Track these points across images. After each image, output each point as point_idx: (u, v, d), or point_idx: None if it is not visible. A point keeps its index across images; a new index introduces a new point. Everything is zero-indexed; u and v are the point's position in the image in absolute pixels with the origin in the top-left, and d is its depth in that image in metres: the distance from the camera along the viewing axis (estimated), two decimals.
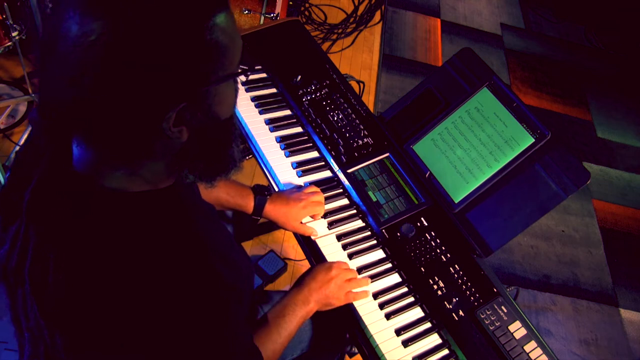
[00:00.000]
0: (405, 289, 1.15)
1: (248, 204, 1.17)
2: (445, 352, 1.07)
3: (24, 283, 0.65)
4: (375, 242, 1.22)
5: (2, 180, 1.88)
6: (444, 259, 1.18)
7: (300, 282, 1.08)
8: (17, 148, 2.09)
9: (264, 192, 1.18)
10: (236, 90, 0.70)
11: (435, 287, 1.13)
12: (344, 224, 1.23)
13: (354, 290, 1.10)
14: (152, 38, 0.54)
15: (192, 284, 0.66)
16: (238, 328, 0.76)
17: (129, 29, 0.54)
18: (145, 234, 0.65)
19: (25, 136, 2.15)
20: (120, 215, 0.65)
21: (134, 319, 0.62)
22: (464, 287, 1.14)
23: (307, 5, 3.25)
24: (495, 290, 1.14)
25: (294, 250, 2.11)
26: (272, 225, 2.13)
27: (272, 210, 1.18)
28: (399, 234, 1.20)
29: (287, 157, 1.34)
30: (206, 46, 0.58)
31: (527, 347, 1.06)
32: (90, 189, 0.65)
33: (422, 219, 1.24)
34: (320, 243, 1.19)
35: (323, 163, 1.35)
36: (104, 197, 0.65)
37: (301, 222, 1.20)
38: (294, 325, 1.00)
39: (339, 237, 1.20)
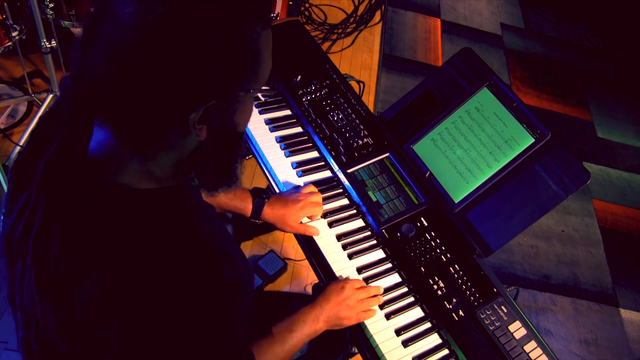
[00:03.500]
0: (405, 289, 1.15)
1: (246, 207, 1.18)
2: (445, 352, 1.07)
3: (25, 255, 0.65)
4: (375, 242, 1.22)
5: (3, 181, 1.88)
6: (444, 259, 1.18)
7: (313, 300, 1.06)
8: (18, 148, 2.09)
9: (262, 195, 1.18)
10: (252, 109, 0.73)
11: (435, 287, 1.13)
12: (344, 224, 1.23)
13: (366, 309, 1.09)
14: (205, 31, 0.57)
15: (195, 280, 0.66)
16: (238, 328, 0.76)
17: (184, 17, 0.56)
18: (149, 228, 0.66)
19: (27, 135, 2.14)
20: (126, 208, 0.66)
21: (131, 309, 0.62)
22: (464, 287, 1.14)
23: (307, 5, 3.25)
24: (495, 290, 1.14)
25: (294, 250, 2.11)
26: (272, 226, 2.13)
27: (270, 213, 1.18)
28: (399, 234, 1.20)
29: (287, 157, 1.34)
30: (249, 53, 0.62)
31: (527, 347, 1.06)
32: (100, 182, 0.65)
33: (422, 219, 1.24)
34: (320, 243, 1.19)
35: (323, 163, 1.35)
36: (113, 190, 0.66)
37: (300, 223, 1.20)
38: (298, 342, 1.00)
39: (339, 237, 1.20)
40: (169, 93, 0.59)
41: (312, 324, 1.02)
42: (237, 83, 0.63)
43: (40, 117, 0.74)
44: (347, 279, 1.13)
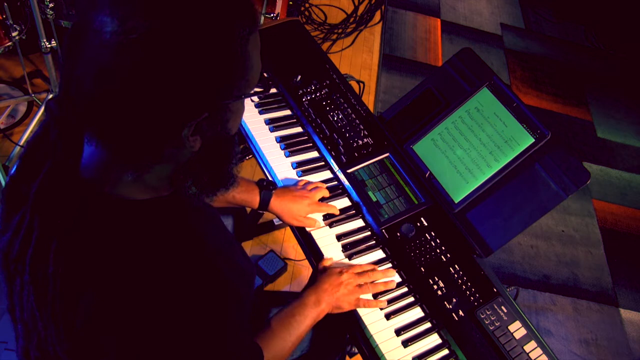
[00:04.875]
0: (405, 289, 1.15)
1: (254, 199, 1.18)
2: (445, 352, 1.07)
3: (23, 273, 0.65)
4: (375, 242, 1.22)
5: (2, 181, 1.88)
6: (444, 259, 1.18)
7: (312, 283, 1.08)
8: (18, 148, 2.09)
9: (269, 187, 1.19)
10: (243, 111, 0.72)
11: (435, 287, 1.13)
12: (344, 224, 1.23)
13: (366, 297, 1.10)
14: (196, 34, 0.56)
15: (194, 284, 0.66)
16: (239, 329, 0.76)
17: (173, 25, 0.55)
18: (147, 236, 0.65)
19: (27, 135, 2.14)
20: (123, 219, 0.65)
21: (131, 317, 0.62)
22: (464, 287, 1.14)
23: (307, 5, 3.25)
24: (495, 290, 1.14)
25: (294, 250, 2.11)
26: (272, 226, 2.13)
27: (278, 204, 1.19)
28: (399, 234, 1.20)
29: (287, 157, 1.34)
30: (237, 61, 0.61)
31: (527, 347, 1.06)
32: (95, 194, 0.65)
33: (422, 219, 1.24)
34: (320, 243, 1.19)
35: (323, 163, 1.35)
36: (108, 203, 0.65)
37: (305, 217, 1.21)
38: (304, 326, 1.00)
39: (339, 237, 1.20)
40: (161, 108, 0.58)
41: (314, 307, 1.03)
42: (228, 90, 0.62)
43: (28, 142, 0.73)
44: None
